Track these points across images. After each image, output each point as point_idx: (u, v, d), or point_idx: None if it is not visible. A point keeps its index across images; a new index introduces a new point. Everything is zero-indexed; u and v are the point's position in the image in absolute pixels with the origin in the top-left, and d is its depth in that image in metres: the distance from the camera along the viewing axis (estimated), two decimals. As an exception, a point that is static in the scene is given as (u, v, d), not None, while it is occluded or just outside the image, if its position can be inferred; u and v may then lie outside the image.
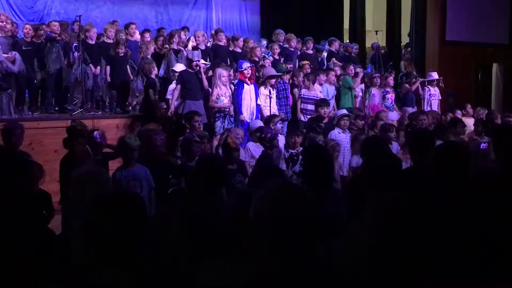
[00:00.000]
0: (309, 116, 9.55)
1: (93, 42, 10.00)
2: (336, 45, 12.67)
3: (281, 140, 7.88)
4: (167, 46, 10.91)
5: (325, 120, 8.57)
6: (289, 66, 10.82)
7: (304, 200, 1.99)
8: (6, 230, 2.71)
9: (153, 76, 9.47)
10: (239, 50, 11.27)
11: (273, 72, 9.66)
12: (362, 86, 11.13)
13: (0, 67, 8.77)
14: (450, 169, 3.55)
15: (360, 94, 10.93)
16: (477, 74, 14.66)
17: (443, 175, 3.53)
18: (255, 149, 7.07)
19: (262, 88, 9.41)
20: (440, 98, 11.72)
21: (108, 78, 10.01)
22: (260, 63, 10.46)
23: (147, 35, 11.69)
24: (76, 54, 9.97)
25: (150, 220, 2.52)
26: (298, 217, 1.96)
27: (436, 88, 11.71)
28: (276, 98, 9.57)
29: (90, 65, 9.86)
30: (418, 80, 11.68)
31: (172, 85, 9.49)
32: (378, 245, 1.87)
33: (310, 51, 12.29)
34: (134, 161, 5.35)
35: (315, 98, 9.71)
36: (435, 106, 11.35)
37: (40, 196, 4.47)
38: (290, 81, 10.26)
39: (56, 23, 10.14)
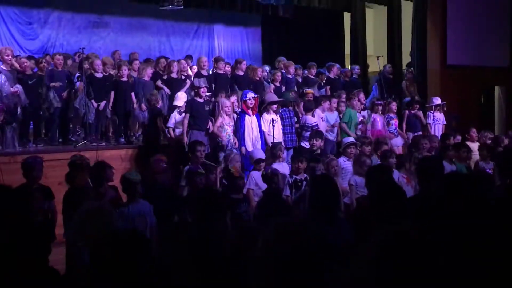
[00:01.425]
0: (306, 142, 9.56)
1: (100, 76, 10.03)
2: (335, 70, 12.71)
3: (285, 167, 7.88)
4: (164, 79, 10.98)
5: (317, 151, 8.59)
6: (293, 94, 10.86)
7: (311, 238, 1.99)
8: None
9: (159, 106, 9.54)
10: (241, 73, 11.33)
11: (274, 98, 9.71)
12: (365, 112, 11.14)
13: (7, 101, 8.81)
14: (458, 198, 3.54)
15: (362, 119, 10.90)
16: (479, 97, 14.68)
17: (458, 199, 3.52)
18: (259, 177, 7.07)
19: (265, 114, 9.44)
20: (445, 122, 11.73)
21: (110, 105, 10.01)
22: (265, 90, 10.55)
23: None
24: (78, 84, 10.02)
25: (155, 256, 2.52)
26: (305, 255, 1.97)
27: (440, 113, 11.72)
28: (281, 125, 9.61)
29: (92, 100, 9.89)
30: (417, 105, 11.65)
31: (175, 114, 9.51)
32: (381, 280, 1.86)
33: (313, 76, 12.38)
34: (138, 196, 5.35)
35: (316, 125, 9.75)
36: (440, 131, 11.33)
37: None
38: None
39: (60, 56, 10.20)
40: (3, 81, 8.83)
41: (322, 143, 9.00)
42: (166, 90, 10.74)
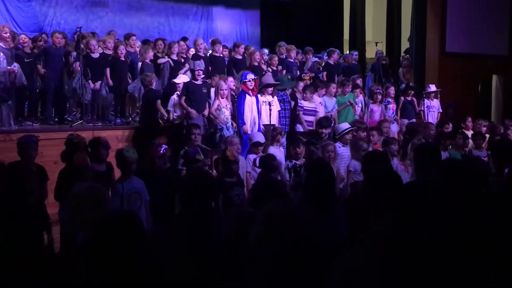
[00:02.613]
0: (308, 128, 9.55)
1: (97, 56, 9.97)
2: (335, 56, 12.68)
3: (282, 152, 7.87)
4: (165, 56, 10.93)
5: (325, 138, 8.58)
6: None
7: (304, 225, 1.99)
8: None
9: (153, 87, 9.47)
10: (239, 57, 11.29)
11: (270, 80, 9.68)
12: (361, 98, 11.13)
13: (4, 78, 8.76)
14: (463, 184, 3.54)
15: (360, 105, 10.90)
16: (477, 85, 14.67)
17: (454, 190, 3.52)
18: (256, 160, 7.06)
19: (260, 96, 9.42)
20: (441, 110, 11.73)
21: (110, 82, 9.94)
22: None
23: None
24: (74, 65, 9.98)
25: (148, 236, 2.53)
26: (297, 242, 1.97)
27: (436, 100, 11.72)
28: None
29: (89, 81, 9.84)
30: (411, 92, 11.64)
31: (174, 97, 9.49)
32: (382, 271, 1.86)
33: (310, 61, 12.36)
34: (132, 174, 5.36)
35: (314, 109, 9.73)
36: (434, 118, 11.34)
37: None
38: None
39: (59, 35, 10.13)
40: (1, 59, 8.77)
41: (330, 130, 8.98)
42: (170, 61, 10.69)
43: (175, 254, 2.80)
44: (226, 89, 9.16)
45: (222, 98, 9.10)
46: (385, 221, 1.97)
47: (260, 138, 7.69)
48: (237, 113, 9.20)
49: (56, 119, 10.05)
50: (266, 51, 12.82)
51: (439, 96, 11.88)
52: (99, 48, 10.21)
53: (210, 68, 10.66)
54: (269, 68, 11.21)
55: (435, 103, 11.71)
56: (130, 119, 10.30)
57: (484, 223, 2.78)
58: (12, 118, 8.96)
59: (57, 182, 5.47)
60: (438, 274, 1.84)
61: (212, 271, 2.54)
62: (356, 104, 10.74)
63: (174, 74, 10.37)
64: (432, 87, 11.86)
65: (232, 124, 9.16)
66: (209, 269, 2.60)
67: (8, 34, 9.17)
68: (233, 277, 2.29)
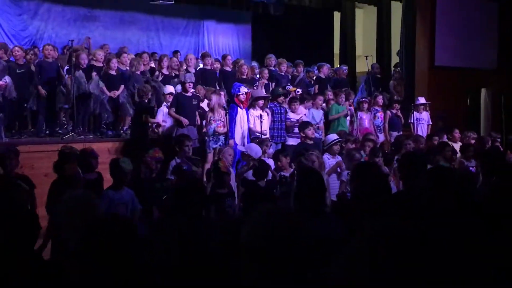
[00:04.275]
0: (294, 139, 9.61)
1: (85, 67, 9.99)
2: (325, 70, 12.78)
3: (271, 162, 7.91)
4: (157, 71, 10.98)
5: (311, 142, 8.64)
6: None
7: (294, 223, 2.02)
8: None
9: (146, 100, 9.52)
10: (229, 69, 11.38)
11: (261, 93, 9.75)
12: (352, 108, 11.23)
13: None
14: (446, 193, 3.59)
15: (349, 118, 11.01)
16: (466, 98, 14.81)
17: (439, 199, 3.56)
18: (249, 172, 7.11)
19: (251, 110, 9.47)
20: (430, 123, 11.82)
21: (108, 93, 9.84)
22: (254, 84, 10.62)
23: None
24: (66, 77, 10.00)
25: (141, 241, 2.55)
26: (288, 241, 1.99)
27: (426, 113, 11.82)
28: (271, 121, 9.66)
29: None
30: (397, 105, 11.73)
31: (162, 108, 9.53)
32: (374, 274, 1.87)
33: (301, 74, 12.46)
34: (124, 184, 5.41)
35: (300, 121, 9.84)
36: (424, 131, 11.42)
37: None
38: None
39: (49, 47, 10.15)
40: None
41: (313, 132, 9.02)
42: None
43: (166, 258, 2.82)
44: (215, 103, 9.20)
45: (215, 111, 9.13)
46: (377, 222, 2.00)
47: (258, 150, 7.72)
48: (229, 126, 9.26)
49: (47, 132, 10.03)
50: (255, 64, 12.92)
51: (428, 108, 11.98)
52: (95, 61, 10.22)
53: (200, 81, 10.72)
54: (261, 81, 11.29)
55: (425, 115, 11.80)
56: (122, 131, 10.30)
57: (477, 225, 2.81)
58: (3, 131, 8.94)
59: (49, 192, 5.49)
60: (429, 272, 1.86)
61: (202, 275, 2.56)
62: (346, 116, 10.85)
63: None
64: (422, 100, 11.96)
65: (221, 136, 9.20)
66: (199, 274, 2.62)
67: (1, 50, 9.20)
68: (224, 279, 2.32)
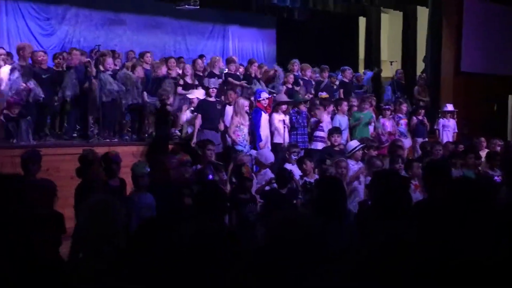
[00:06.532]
0: (317, 143, 9.59)
1: (111, 72, 10.10)
2: (348, 74, 12.75)
3: (296, 168, 7.89)
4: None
5: (336, 148, 8.64)
6: (309, 96, 10.95)
7: (310, 227, 2.06)
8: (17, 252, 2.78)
9: (168, 103, 9.60)
10: (253, 74, 11.42)
11: (284, 98, 9.77)
12: (374, 116, 11.19)
13: (21, 95, 8.94)
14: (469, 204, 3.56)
15: (373, 124, 10.96)
16: (493, 105, 14.60)
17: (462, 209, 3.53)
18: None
19: (275, 115, 9.50)
20: (456, 130, 11.72)
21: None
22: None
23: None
24: (93, 81, 10.12)
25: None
26: (303, 244, 2.03)
27: (452, 120, 11.71)
28: (295, 126, 9.67)
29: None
30: (422, 111, 11.65)
31: (186, 113, 9.60)
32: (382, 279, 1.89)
33: (326, 80, 12.46)
34: (144, 188, 5.45)
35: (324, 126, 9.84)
36: (449, 138, 11.32)
37: (52, 217, 4.54)
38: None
39: (77, 52, 10.32)
40: (15, 77, 8.98)
41: (341, 138, 9.05)
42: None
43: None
44: (247, 106, 9.25)
45: (244, 115, 9.17)
46: (388, 230, 2.02)
47: (269, 156, 7.74)
48: (254, 130, 9.29)
49: (74, 135, 10.17)
50: (279, 68, 12.93)
51: (455, 116, 11.87)
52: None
53: (225, 86, 10.78)
54: (284, 86, 11.30)
55: (451, 123, 11.70)
56: (146, 135, 10.41)
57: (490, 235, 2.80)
58: (31, 134, 9.10)
59: (75, 198, 5.57)
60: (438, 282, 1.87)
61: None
62: (370, 123, 10.79)
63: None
64: (449, 107, 11.85)
65: (248, 140, 9.26)
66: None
67: (28, 53, 9.37)
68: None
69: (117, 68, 10.22)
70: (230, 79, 10.77)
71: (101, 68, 9.82)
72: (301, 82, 11.66)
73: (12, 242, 2.80)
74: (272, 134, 9.50)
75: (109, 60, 10.10)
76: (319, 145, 9.70)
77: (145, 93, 10.23)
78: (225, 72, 11.44)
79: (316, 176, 6.95)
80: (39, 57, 9.68)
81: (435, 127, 11.66)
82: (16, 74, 9.02)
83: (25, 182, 4.49)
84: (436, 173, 4.50)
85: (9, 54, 10.20)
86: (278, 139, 9.41)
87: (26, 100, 9.09)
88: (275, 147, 9.25)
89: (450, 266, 2.30)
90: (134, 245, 2.64)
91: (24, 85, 9.01)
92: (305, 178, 7.01)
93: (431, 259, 2.09)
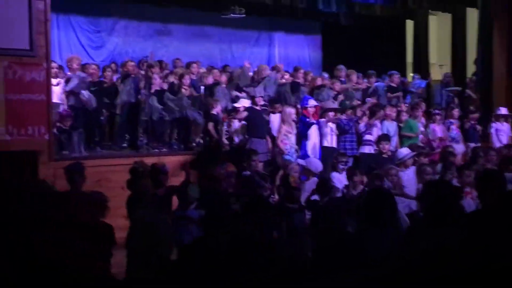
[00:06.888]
0: (366, 147, 9.51)
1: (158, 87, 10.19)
2: (396, 79, 12.56)
3: (341, 179, 7.78)
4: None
5: (385, 155, 8.54)
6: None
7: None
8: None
9: (215, 112, 9.65)
10: (300, 81, 11.38)
11: (331, 105, 9.72)
12: (423, 121, 11.00)
13: (79, 102, 9.16)
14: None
15: (422, 129, 10.77)
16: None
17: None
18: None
19: (323, 121, 9.45)
20: (511, 134, 11.39)
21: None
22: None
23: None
24: (143, 92, 10.29)
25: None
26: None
27: (506, 124, 11.40)
28: (341, 133, 9.60)
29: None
30: (474, 115, 11.37)
31: (235, 122, 9.64)
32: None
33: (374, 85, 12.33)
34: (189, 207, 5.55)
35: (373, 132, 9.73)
36: (504, 142, 11.00)
37: (101, 228, 4.60)
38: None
39: (132, 63, 10.50)
40: (74, 85, 9.24)
41: (391, 146, 8.95)
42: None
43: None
44: (294, 115, 9.26)
45: (291, 123, 9.17)
46: (433, 239, 1.98)
47: (318, 165, 7.69)
48: (301, 138, 9.27)
49: (124, 145, 10.35)
50: (326, 75, 12.87)
51: (509, 119, 11.54)
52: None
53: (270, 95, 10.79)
54: (330, 92, 11.22)
55: (505, 126, 11.38)
56: (194, 144, 10.50)
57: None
58: (83, 145, 9.32)
59: (127, 210, 5.67)
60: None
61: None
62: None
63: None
64: (503, 110, 11.54)
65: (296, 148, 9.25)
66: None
67: (77, 66, 9.63)
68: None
69: (165, 87, 10.29)
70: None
71: (151, 90, 9.91)
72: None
73: (63, 256, 2.86)
74: (320, 138, 9.45)
75: (157, 81, 10.07)
76: (367, 149, 9.60)
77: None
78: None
79: (361, 187, 6.85)
80: (91, 69, 9.92)
81: (489, 131, 11.36)
82: (75, 81, 9.25)
83: (71, 195, 4.60)
84: (488, 182, 4.41)
85: (60, 67, 10.47)
86: (326, 144, 9.37)
87: (82, 109, 9.32)
88: (324, 151, 9.21)
89: (490, 270, 2.23)
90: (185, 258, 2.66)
91: (83, 92, 9.26)
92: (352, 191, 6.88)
93: (472, 265, 2.04)
